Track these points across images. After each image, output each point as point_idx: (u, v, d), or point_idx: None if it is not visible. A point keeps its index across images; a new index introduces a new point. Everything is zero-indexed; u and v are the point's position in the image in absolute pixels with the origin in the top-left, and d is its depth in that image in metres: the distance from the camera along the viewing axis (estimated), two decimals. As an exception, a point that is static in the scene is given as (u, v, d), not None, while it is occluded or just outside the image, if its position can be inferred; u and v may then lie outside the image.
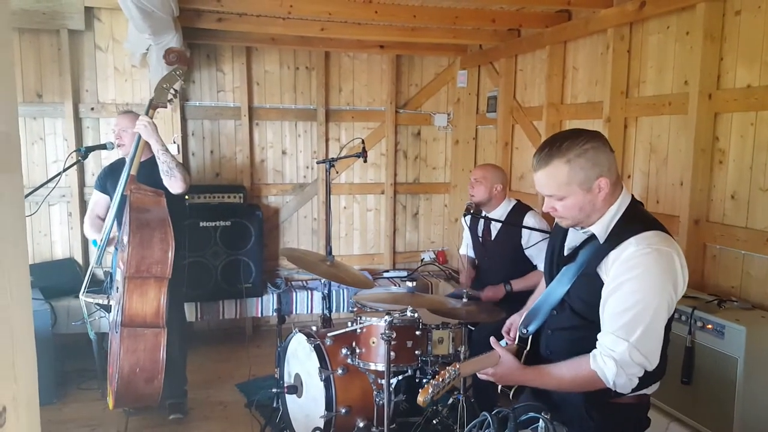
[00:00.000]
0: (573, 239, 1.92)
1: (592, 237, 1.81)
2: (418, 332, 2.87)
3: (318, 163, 4.75)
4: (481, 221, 3.82)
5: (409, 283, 3.17)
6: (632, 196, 1.83)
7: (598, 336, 1.74)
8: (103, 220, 3.61)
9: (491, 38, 4.98)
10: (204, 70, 5.20)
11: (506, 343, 2.07)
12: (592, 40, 4.06)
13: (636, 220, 1.76)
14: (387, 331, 2.68)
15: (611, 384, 1.69)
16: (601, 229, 1.77)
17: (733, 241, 3.02)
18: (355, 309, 3.13)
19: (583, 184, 1.72)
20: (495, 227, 3.75)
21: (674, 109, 3.35)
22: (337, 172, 5.50)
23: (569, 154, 1.71)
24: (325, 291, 3.99)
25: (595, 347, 1.74)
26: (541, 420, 1.51)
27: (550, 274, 1.97)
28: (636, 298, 1.66)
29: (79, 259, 4.86)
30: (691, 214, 3.20)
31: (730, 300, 2.83)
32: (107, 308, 3.41)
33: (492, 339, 1.85)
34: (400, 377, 2.88)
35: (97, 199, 3.73)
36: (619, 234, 1.73)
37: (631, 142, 3.74)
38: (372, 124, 5.69)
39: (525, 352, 1.96)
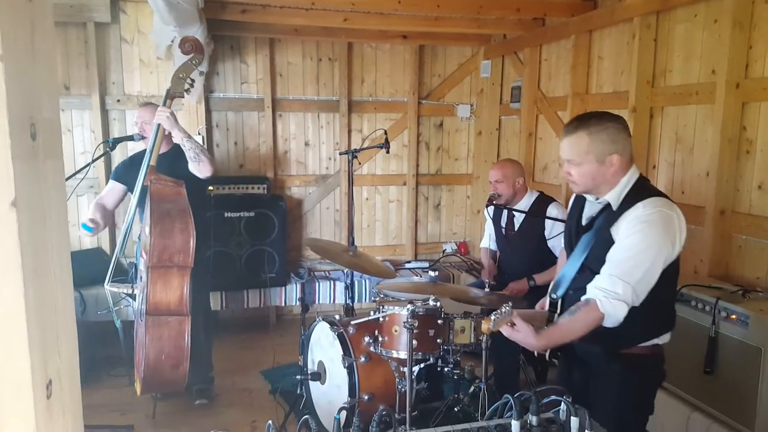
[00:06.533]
0: (590, 210, 2.18)
1: (607, 206, 2.08)
2: (440, 321, 2.88)
3: (340, 154, 4.78)
4: (505, 212, 3.82)
5: (432, 273, 3.18)
6: (639, 173, 2.09)
7: (596, 278, 1.97)
8: (109, 209, 3.65)
9: (515, 28, 4.95)
10: (228, 61, 5.25)
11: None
12: (617, 29, 4.02)
13: (644, 189, 2.05)
14: (409, 320, 2.70)
15: (614, 321, 1.92)
16: (614, 197, 2.04)
17: (759, 232, 2.99)
18: (377, 298, 3.16)
19: (599, 157, 2.00)
20: (518, 219, 3.76)
21: (701, 98, 3.31)
22: (360, 164, 5.53)
23: (592, 128, 2.00)
24: (348, 281, 4.02)
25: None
26: (562, 403, 1.52)
27: (570, 245, 2.22)
28: (639, 248, 1.93)
29: (107, 248, 4.97)
30: (717, 205, 3.17)
31: (755, 290, 2.80)
32: (133, 297, 3.48)
33: (514, 312, 1.98)
34: (422, 365, 2.90)
35: (111, 188, 3.74)
36: (630, 200, 2.00)
37: (657, 132, 3.70)
38: (394, 115, 5.70)
39: (556, 315, 2.15)
